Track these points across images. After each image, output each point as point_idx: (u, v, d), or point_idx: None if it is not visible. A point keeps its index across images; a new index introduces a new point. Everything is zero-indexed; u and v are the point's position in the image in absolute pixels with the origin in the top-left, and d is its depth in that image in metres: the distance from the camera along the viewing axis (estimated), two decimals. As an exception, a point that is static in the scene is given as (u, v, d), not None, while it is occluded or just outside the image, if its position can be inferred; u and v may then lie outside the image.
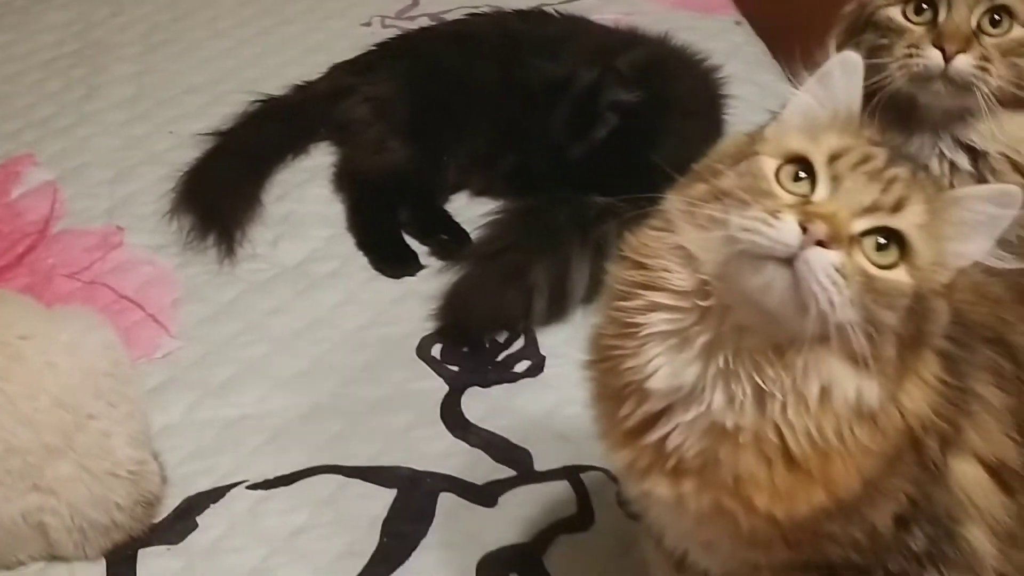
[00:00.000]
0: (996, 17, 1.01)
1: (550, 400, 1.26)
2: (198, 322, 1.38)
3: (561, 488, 1.15)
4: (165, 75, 1.88)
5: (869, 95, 1.01)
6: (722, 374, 0.68)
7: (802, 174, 0.68)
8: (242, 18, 2.06)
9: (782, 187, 0.67)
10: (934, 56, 1.00)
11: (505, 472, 1.17)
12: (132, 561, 1.08)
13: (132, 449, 1.10)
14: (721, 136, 1.52)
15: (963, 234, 0.68)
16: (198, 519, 1.12)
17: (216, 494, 1.15)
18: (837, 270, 0.62)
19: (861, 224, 0.65)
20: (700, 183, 0.71)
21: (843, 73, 0.72)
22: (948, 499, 0.76)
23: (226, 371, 1.30)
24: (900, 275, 0.65)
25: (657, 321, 0.70)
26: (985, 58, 1.00)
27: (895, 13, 1.04)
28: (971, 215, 0.68)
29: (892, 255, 0.65)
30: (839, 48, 1.10)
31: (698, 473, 0.71)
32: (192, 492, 1.15)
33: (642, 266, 0.72)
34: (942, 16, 1.01)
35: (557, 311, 1.36)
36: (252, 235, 1.51)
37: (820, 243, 0.62)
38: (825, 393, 0.67)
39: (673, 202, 0.71)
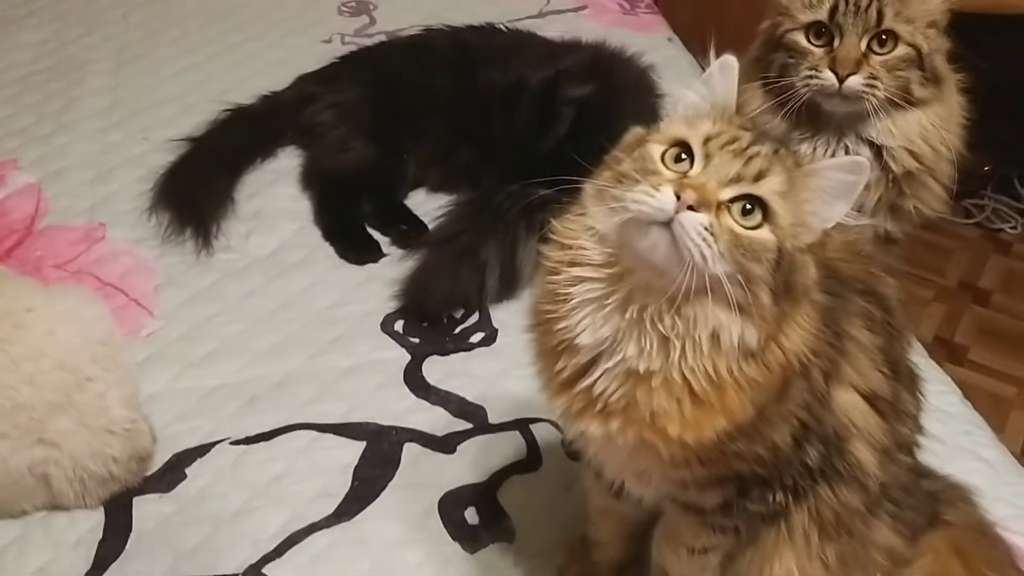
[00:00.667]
0: (883, 38, 1.20)
1: (502, 365, 1.40)
2: (178, 305, 1.50)
3: (512, 437, 1.29)
4: (137, 88, 2.00)
5: (783, 103, 1.23)
6: (632, 327, 0.82)
7: (683, 156, 0.82)
8: (209, 36, 2.18)
9: (666, 167, 0.81)
10: (829, 78, 1.20)
11: (463, 425, 1.31)
12: (128, 508, 1.20)
13: (125, 409, 1.22)
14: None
15: (822, 199, 0.82)
16: (186, 471, 1.25)
17: (202, 450, 1.27)
18: (706, 228, 0.76)
19: (728, 192, 0.79)
20: (607, 170, 0.85)
21: (721, 73, 0.85)
22: (834, 421, 0.91)
23: (206, 346, 1.43)
24: (764, 233, 0.79)
25: (580, 291, 0.85)
26: (873, 75, 1.20)
27: (799, 37, 1.23)
28: (827, 183, 0.82)
29: (756, 218, 0.79)
30: (758, 60, 1.29)
31: (622, 413, 0.85)
32: (180, 449, 1.27)
33: (566, 246, 0.86)
34: (836, 43, 1.20)
35: (508, 288, 1.51)
36: (226, 229, 1.63)
37: (691, 208, 0.76)
38: (713, 337, 0.81)
39: (587, 187, 0.86)
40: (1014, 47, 2.71)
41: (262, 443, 1.28)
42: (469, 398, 1.35)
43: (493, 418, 1.32)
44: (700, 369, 0.82)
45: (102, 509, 1.20)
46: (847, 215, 0.83)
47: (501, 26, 1.88)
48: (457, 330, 1.47)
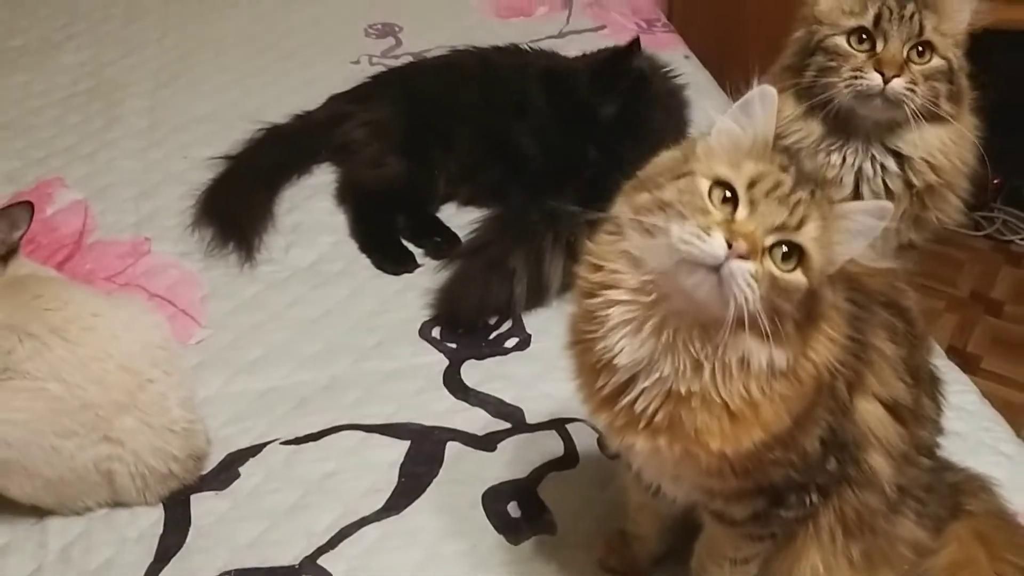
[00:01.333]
0: (920, 49, 1.26)
1: (537, 369, 1.46)
2: (225, 314, 1.57)
3: (550, 436, 1.35)
4: (175, 107, 2.08)
5: (817, 108, 1.28)
6: (667, 349, 0.88)
7: (727, 195, 0.85)
8: (240, 57, 2.26)
9: (712, 205, 0.85)
10: (875, 78, 1.25)
11: (501, 425, 1.37)
12: (186, 504, 1.26)
13: (183, 410, 1.29)
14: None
15: (847, 239, 0.87)
16: (240, 469, 1.31)
17: (254, 450, 1.34)
18: (752, 276, 0.81)
19: (771, 239, 0.84)
20: (644, 192, 0.88)
21: (761, 103, 0.87)
22: (854, 430, 0.98)
23: (254, 352, 1.50)
24: (798, 276, 0.84)
25: (616, 313, 0.90)
26: (913, 81, 1.25)
27: (841, 41, 1.28)
28: (855, 224, 0.87)
29: (793, 261, 0.84)
30: (790, 68, 1.34)
31: (668, 430, 0.91)
32: (233, 450, 1.34)
33: (600, 268, 0.91)
34: (880, 47, 1.26)
35: (536, 296, 1.57)
36: (267, 242, 1.70)
37: (740, 256, 0.81)
38: (743, 362, 0.87)
39: (622, 209, 0.90)
40: (1021, 62, 2.78)
41: (311, 443, 1.35)
42: (507, 399, 1.41)
43: (531, 418, 1.38)
44: (734, 390, 0.87)
45: (161, 506, 1.26)
46: (863, 253, 0.89)
47: (526, 47, 1.96)
48: (492, 336, 1.54)
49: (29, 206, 1.33)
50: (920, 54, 1.26)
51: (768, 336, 0.84)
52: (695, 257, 0.81)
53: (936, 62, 1.26)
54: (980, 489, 1.18)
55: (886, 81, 1.24)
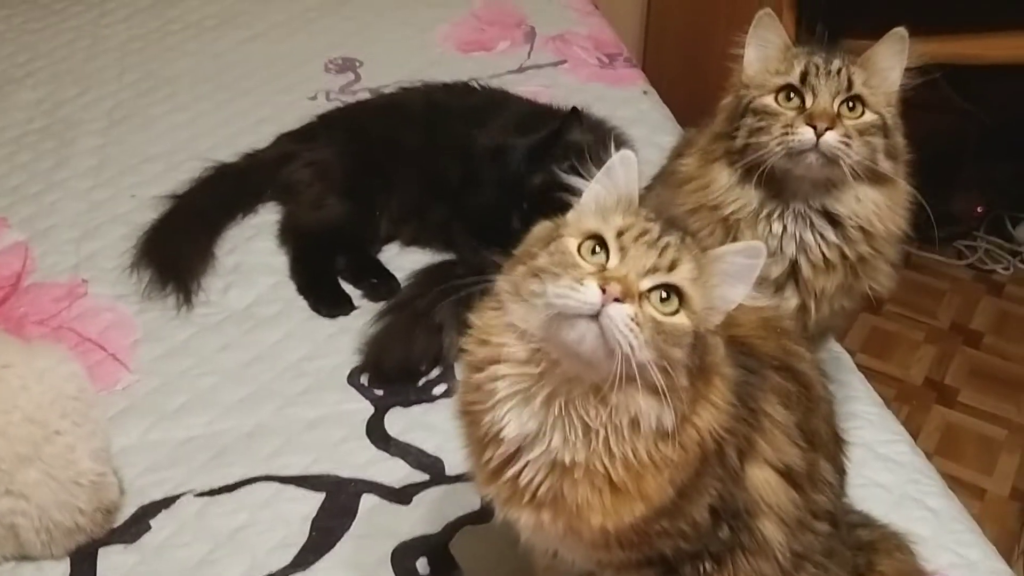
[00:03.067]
0: (851, 104, 1.22)
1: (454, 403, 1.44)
2: (154, 359, 1.56)
3: (467, 489, 1.32)
4: (127, 146, 2.07)
5: (751, 169, 1.25)
6: (558, 419, 0.87)
7: (598, 248, 0.86)
8: (199, 94, 2.26)
9: (583, 259, 0.86)
10: (807, 132, 1.20)
11: (419, 477, 1.35)
12: (93, 558, 1.25)
13: (94, 463, 1.27)
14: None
15: (726, 282, 0.87)
16: (151, 522, 1.29)
17: (167, 502, 1.32)
18: (632, 319, 0.81)
19: (647, 283, 0.84)
20: (520, 265, 0.89)
21: (623, 167, 0.91)
22: (746, 498, 0.96)
23: (179, 399, 1.48)
24: (681, 319, 0.84)
25: (503, 386, 0.89)
26: (847, 135, 1.21)
27: (770, 101, 1.25)
28: (730, 267, 0.87)
29: (673, 304, 0.84)
30: (720, 136, 1.30)
31: (551, 504, 0.90)
32: (146, 501, 1.32)
33: (486, 343, 0.91)
34: (809, 102, 1.22)
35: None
36: (205, 284, 1.69)
37: (616, 300, 0.81)
38: (634, 423, 0.86)
39: (501, 284, 0.90)
40: (1003, 92, 2.76)
41: (226, 494, 1.33)
42: (428, 450, 1.39)
43: (450, 470, 1.36)
44: (620, 455, 0.86)
45: (68, 559, 1.24)
46: (750, 295, 0.88)
47: (475, 84, 1.95)
48: (420, 383, 1.52)
49: None
50: (851, 108, 1.22)
51: (662, 391, 0.83)
52: (572, 308, 0.81)
53: (869, 117, 1.22)
54: (896, 548, 1.15)
55: (819, 135, 1.20)
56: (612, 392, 0.84)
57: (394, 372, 1.51)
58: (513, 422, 0.89)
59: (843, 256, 1.27)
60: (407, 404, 1.47)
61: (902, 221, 1.29)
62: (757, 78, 1.27)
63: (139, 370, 1.53)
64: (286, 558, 1.24)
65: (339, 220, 1.77)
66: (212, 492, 1.33)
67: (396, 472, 1.36)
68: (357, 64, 2.37)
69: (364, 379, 1.52)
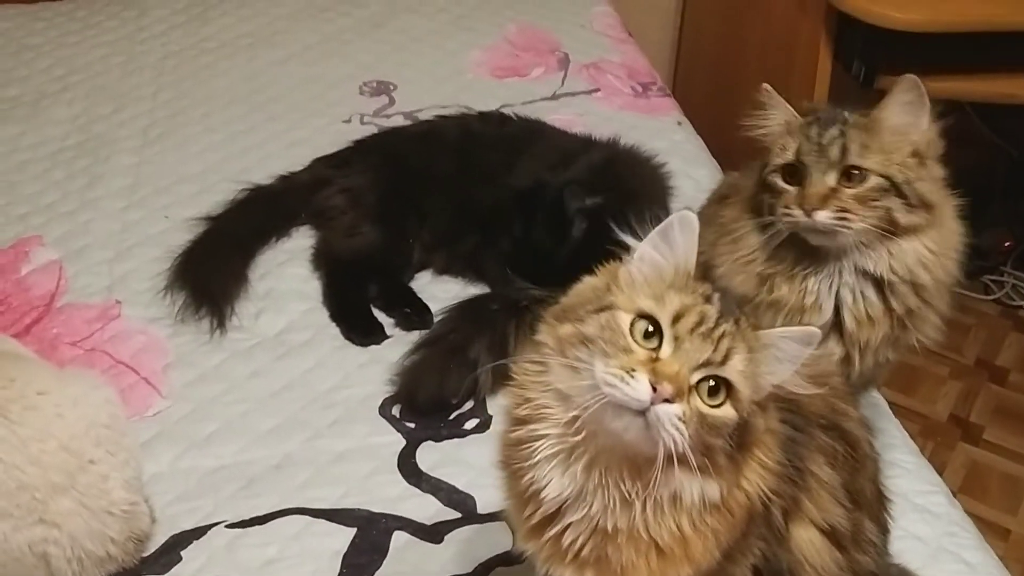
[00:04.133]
0: (849, 175, 1.22)
1: (494, 452, 1.43)
2: (186, 384, 1.55)
3: (499, 528, 1.31)
4: (161, 166, 2.08)
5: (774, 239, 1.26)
6: (598, 486, 0.85)
7: (650, 328, 0.84)
8: (233, 115, 2.26)
9: (635, 342, 0.83)
10: (799, 214, 1.23)
11: (451, 514, 1.34)
12: (123, 589, 1.24)
13: (126, 492, 1.27)
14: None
15: (775, 364, 0.85)
16: (182, 553, 1.28)
17: (198, 532, 1.31)
18: (679, 418, 0.80)
19: (697, 376, 0.82)
20: (566, 324, 0.87)
21: (681, 230, 0.87)
22: (789, 558, 0.95)
23: (209, 426, 1.48)
24: (727, 411, 0.83)
25: (544, 447, 0.87)
26: (843, 208, 1.21)
27: (777, 179, 1.27)
28: (782, 352, 0.85)
29: (720, 396, 0.83)
30: (753, 198, 1.31)
31: (595, 565, 0.89)
32: (177, 530, 1.31)
33: (527, 400, 0.89)
34: (807, 181, 1.23)
35: (503, 379, 1.53)
36: (238, 309, 1.69)
37: (666, 399, 0.79)
38: (675, 498, 0.85)
39: (545, 339, 0.88)
40: (1033, 127, 2.75)
41: (257, 527, 1.32)
42: (459, 486, 1.38)
43: (482, 507, 1.35)
44: (664, 526, 0.85)
45: (98, 590, 1.24)
46: (791, 379, 0.86)
47: (512, 113, 1.95)
48: (452, 416, 1.51)
49: None
50: (850, 179, 1.22)
51: (699, 470, 0.82)
52: (620, 401, 0.80)
53: (873, 182, 1.21)
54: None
55: (808, 215, 1.22)
56: (651, 470, 0.83)
57: (427, 405, 1.51)
58: (554, 483, 0.87)
59: (888, 309, 1.25)
60: (439, 439, 1.46)
61: (952, 266, 1.28)
62: (772, 149, 1.28)
63: (171, 395, 1.53)
64: (316, 595, 1.23)
65: (373, 248, 1.76)
66: (243, 524, 1.32)
67: (427, 508, 1.35)
68: (391, 88, 2.37)
69: (396, 411, 1.51)
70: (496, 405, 1.52)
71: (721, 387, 0.82)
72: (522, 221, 1.67)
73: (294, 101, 2.33)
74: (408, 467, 1.41)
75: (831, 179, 1.22)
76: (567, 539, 0.89)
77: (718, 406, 0.82)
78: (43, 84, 2.36)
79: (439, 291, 1.75)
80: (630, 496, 0.84)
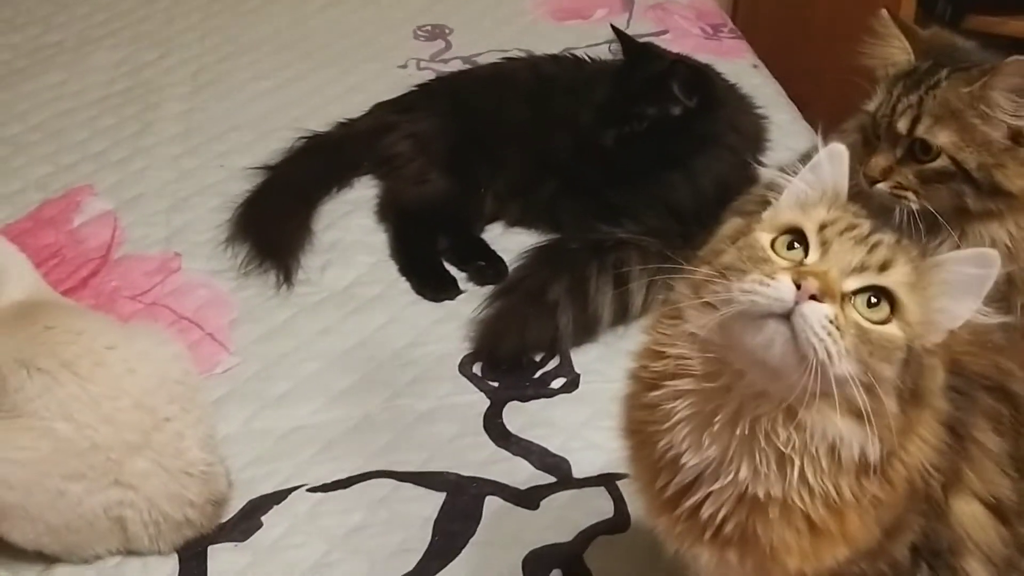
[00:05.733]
0: (924, 147, 1.15)
1: (585, 413, 1.34)
2: (254, 341, 1.47)
3: (598, 494, 1.23)
4: (213, 113, 1.99)
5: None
6: (744, 444, 0.76)
7: (796, 244, 0.75)
8: (283, 60, 2.17)
9: (778, 255, 0.75)
10: (862, 181, 1.16)
11: (545, 478, 1.25)
12: (202, 556, 1.16)
13: (202, 451, 1.19)
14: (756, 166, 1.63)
15: (949, 294, 0.75)
16: (262, 518, 1.21)
17: (278, 496, 1.23)
18: (831, 321, 0.69)
19: (852, 283, 0.72)
20: (703, 265, 0.78)
21: (830, 162, 0.81)
22: (949, 535, 0.85)
23: (282, 385, 1.39)
24: (892, 329, 0.72)
25: (682, 406, 0.78)
26: (901, 185, 1.16)
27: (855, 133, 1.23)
28: (956, 276, 0.75)
29: (883, 311, 0.72)
30: None
31: (739, 543, 0.79)
32: (255, 495, 1.23)
33: (662, 355, 0.80)
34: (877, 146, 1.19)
35: (585, 330, 1.45)
36: (303, 262, 1.60)
37: (814, 297, 0.69)
38: (832, 451, 0.74)
39: (681, 288, 0.79)
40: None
41: (340, 491, 1.24)
42: (552, 449, 1.29)
43: (577, 472, 1.26)
44: (819, 491, 0.75)
45: (176, 557, 1.16)
46: (978, 312, 0.76)
47: (585, 56, 1.83)
48: (537, 374, 1.42)
49: None
50: (917, 153, 1.15)
51: (866, 414, 0.71)
52: (760, 307, 0.70)
53: (939, 163, 1.14)
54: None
55: (868, 184, 1.16)
56: (806, 411, 0.72)
57: (509, 359, 1.42)
58: (694, 446, 0.78)
59: None
60: (524, 399, 1.37)
61: None
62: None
63: (239, 352, 1.45)
64: (408, 564, 1.15)
65: (443, 197, 1.67)
66: (325, 488, 1.24)
67: (519, 473, 1.26)
68: (447, 31, 2.27)
69: (477, 368, 1.42)
70: (581, 363, 1.44)
71: (883, 300, 0.72)
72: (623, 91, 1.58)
73: (345, 46, 2.24)
74: (495, 428, 1.33)
75: (896, 152, 1.16)
76: (706, 511, 0.80)
77: (881, 322, 0.72)
78: (85, 30, 2.27)
79: (512, 243, 1.65)
80: (784, 450, 0.74)
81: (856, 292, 0.72)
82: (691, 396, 0.78)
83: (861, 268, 0.73)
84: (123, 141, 1.90)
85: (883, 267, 0.73)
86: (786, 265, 0.73)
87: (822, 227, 0.76)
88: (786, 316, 0.69)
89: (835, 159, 0.81)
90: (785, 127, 1.85)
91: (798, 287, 0.69)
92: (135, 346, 1.20)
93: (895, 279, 0.73)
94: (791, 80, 2.15)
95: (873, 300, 0.72)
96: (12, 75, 2.10)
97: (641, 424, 0.83)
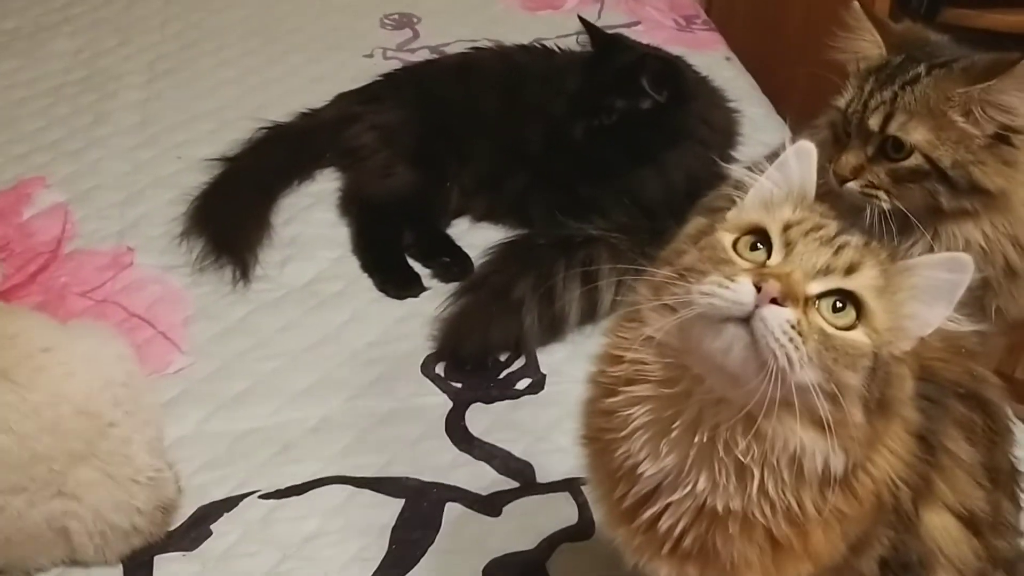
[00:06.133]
0: (896, 145, 1.11)
1: (551, 416, 1.30)
2: (209, 339, 1.42)
3: (562, 499, 1.19)
4: (172, 102, 1.93)
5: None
6: (703, 454, 0.72)
7: (759, 245, 0.72)
8: (246, 48, 2.11)
9: (739, 256, 0.71)
10: (832, 179, 1.13)
11: (508, 484, 1.21)
12: (148, 566, 1.11)
13: (150, 456, 1.14)
14: (727, 161, 1.59)
15: (920, 300, 0.71)
16: (212, 527, 1.16)
17: (229, 503, 1.18)
18: (793, 327, 0.65)
19: (816, 287, 0.68)
20: (665, 266, 0.75)
21: (798, 159, 0.77)
22: (920, 548, 0.82)
23: (238, 385, 1.34)
24: (858, 336, 0.68)
25: (640, 413, 0.75)
26: (872, 184, 1.12)
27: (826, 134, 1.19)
28: (926, 281, 0.71)
29: (849, 316, 0.68)
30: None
31: (698, 558, 0.76)
32: (206, 501, 1.19)
33: (620, 360, 0.76)
34: (847, 144, 1.15)
35: (551, 329, 1.41)
36: (261, 258, 1.55)
37: (775, 301, 0.66)
38: (794, 463, 0.70)
39: (642, 290, 0.76)
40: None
41: (294, 497, 1.20)
42: (516, 453, 1.25)
43: (541, 476, 1.22)
44: (781, 505, 0.72)
45: (121, 567, 1.11)
46: (950, 319, 0.72)
47: (555, 46, 1.79)
48: (502, 375, 1.38)
49: None
50: (889, 151, 1.12)
51: (827, 424, 0.68)
52: (718, 309, 0.66)
53: (912, 161, 1.10)
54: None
55: (838, 183, 1.13)
56: (766, 420, 0.69)
57: (473, 359, 1.37)
58: (652, 454, 0.74)
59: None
60: (489, 400, 1.33)
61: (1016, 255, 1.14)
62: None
63: (193, 351, 1.40)
64: (364, 573, 1.10)
65: (408, 190, 1.62)
66: (279, 494, 1.19)
67: (482, 478, 1.22)
68: (415, 20, 2.22)
69: (440, 369, 1.38)
70: (548, 363, 1.40)
71: (848, 305, 0.68)
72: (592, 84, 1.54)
73: (311, 34, 2.19)
74: (457, 431, 1.28)
75: (868, 149, 1.12)
76: (664, 524, 0.76)
77: (846, 328, 0.68)
78: (41, 16, 2.21)
79: (479, 239, 1.60)
80: (743, 460, 0.71)
81: (820, 296, 0.69)
82: (649, 402, 0.75)
83: (826, 271, 0.69)
84: (78, 131, 1.84)
85: (850, 270, 0.70)
86: (747, 267, 0.70)
87: (786, 227, 0.72)
88: (746, 320, 0.66)
89: (803, 157, 0.78)
90: (758, 121, 1.81)
91: (759, 290, 0.66)
92: (76, 347, 1.15)
93: (862, 283, 0.70)
94: (764, 74, 2.12)
95: (839, 305, 0.69)
96: (-36, 62, 2.04)
97: (599, 431, 0.80)
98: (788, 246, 0.71)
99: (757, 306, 0.66)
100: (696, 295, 0.68)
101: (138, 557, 1.12)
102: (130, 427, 1.13)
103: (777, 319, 0.65)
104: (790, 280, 0.67)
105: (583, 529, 1.15)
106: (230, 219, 1.58)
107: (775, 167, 0.78)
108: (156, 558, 1.12)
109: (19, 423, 1.05)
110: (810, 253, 0.70)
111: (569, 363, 1.38)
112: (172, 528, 1.15)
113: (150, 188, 1.69)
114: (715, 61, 2.06)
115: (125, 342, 1.24)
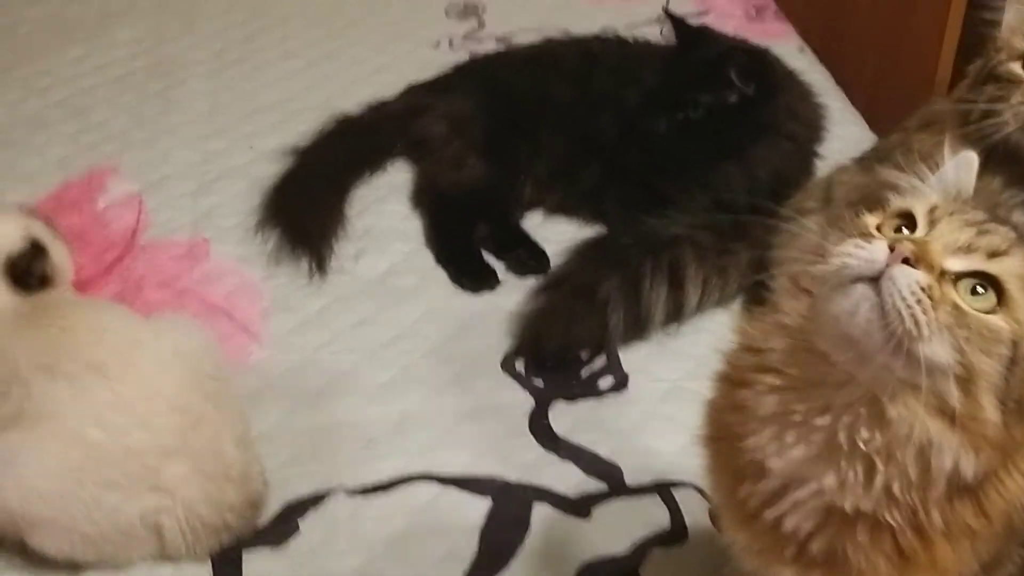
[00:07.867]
0: None
1: (636, 416, 1.28)
2: (287, 332, 1.41)
3: (653, 502, 1.17)
4: (238, 92, 1.92)
5: (993, 149, 1.09)
6: (830, 445, 0.70)
7: (904, 228, 0.69)
8: (310, 39, 2.10)
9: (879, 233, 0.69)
10: None
11: (596, 485, 1.19)
12: (237, 564, 1.11)
13: (239, 450, 1.13)
14: (814, 157, 1.56)
15: None
16: (300, 523, 1.15)
17: (316, 500, 1.17)
18: (923, 289, 0.63)
19: (956, 263, 0.65)
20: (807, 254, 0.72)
21: (959, 170, 0.76)
22: None
23: (318, 380, 1.33)
24: (997, 320, 0.65)
25: (771, 403, 0.73)
26: None
27: (1016, 67, 1.09)
28: None
29: (989, 301, 0.65)
30: (960, 102, 1.15)
31: (825, 565, 0.73)
32: (291, 497, 1.18)
33: (754, 350, 0.75)
34: None
35: (635, 329, 1.38)
36: (336, 249, 1.54)
37: (907, 261, 0.63)
38: (921, 458, 0.67)
39: (780, 282, 0.75)
40: None
41: (380, 494, 1.18)
42: (602, 454, 1.23)
43: (630, 478, 1.20)
44: (907, 507, 0.69)
45: (209, 562, 1.11)
46: None
47: (630, 37, 1.76)
48: (584, 373, 1.35)
49: None
50: None
51: (954, 417, 0.65)
52: (850, 267, 0.64)
53: None
54: None
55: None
56: (891, 403, 0.66)
57: (554, 356, 1.35)
58: (778, 448, 0.72)
59: None
60: (571, 398, 1.31)
61: None
62: (1010, 40, 1.12)
63: (272, 344, 1.39)
64: (455, 574, 1.09)
65: (481, 182, 1.60)
66: (365, 491, 1.18)
67: (569, 479, 1.20)
68: (480, 9, 2.19)
69: (520, 366, 1.36)
70: (630, 362, 1.37)
71: (990, 291, 0.65)
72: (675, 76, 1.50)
73: (375, 24, 2.17)
74: (541, 430, 1.26)
75: None
76: (790, 524, 0.73)
77: (986, 312, 0.65)
78: (105, 3, 2.20)
79: (552, 232, 1.58)
80: (869, 452, 0.68)
81: (960, 277, 0.65)
82: (779, 392, 0.73)
83: (968, 249, 0.66)
84: (146, 120, 1.84)
85: (994, 254, 0.67)
86: (888, 235, 0.69)
87: (932, 209, 0.70)
88: (875, 280, 0.64)
89: (966, 167, 0.76)
90: (835, 114, 1.77)
91: (892, 251, 0.64)
92: (165, 341, 1.14)
93: (1006, 268, 0.66)
94: (832, 65, 2.07)
95: (979, 289, 0.65)
96: (31, 49, 2.04)
97: (726, 428, 0.78)
98: (932, 224, 0.69)
99: (888, 265, 0.63)
100: (832, 259, 0.66)
101: (227, 553, 1.11)
102: (220, 421, 1.12)
103: (906, 278, 0.63)
104: (927, 247, 0.65)
105: (676, 533, 1.13)
106: (305, 210, 1.56)
107: (935, 177, 0.76)
108: (244, 554, 1.11)
109: (112, 417, 1.05)
110: (952, 230, 0.68)
111: (651, 361, 1.36)
112: (260, 524, 1.14)
113: (221, 178, 1.68)
114: (788, 52, 1.99)
115: (210, 334, 1.23)
